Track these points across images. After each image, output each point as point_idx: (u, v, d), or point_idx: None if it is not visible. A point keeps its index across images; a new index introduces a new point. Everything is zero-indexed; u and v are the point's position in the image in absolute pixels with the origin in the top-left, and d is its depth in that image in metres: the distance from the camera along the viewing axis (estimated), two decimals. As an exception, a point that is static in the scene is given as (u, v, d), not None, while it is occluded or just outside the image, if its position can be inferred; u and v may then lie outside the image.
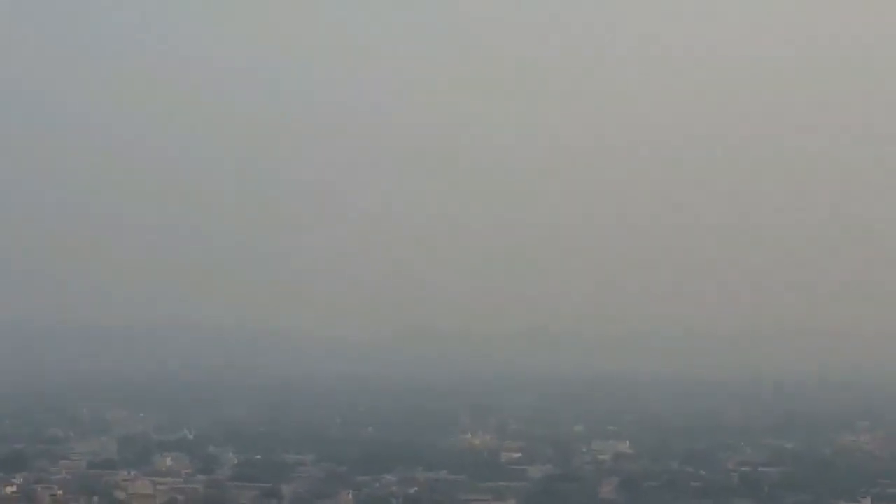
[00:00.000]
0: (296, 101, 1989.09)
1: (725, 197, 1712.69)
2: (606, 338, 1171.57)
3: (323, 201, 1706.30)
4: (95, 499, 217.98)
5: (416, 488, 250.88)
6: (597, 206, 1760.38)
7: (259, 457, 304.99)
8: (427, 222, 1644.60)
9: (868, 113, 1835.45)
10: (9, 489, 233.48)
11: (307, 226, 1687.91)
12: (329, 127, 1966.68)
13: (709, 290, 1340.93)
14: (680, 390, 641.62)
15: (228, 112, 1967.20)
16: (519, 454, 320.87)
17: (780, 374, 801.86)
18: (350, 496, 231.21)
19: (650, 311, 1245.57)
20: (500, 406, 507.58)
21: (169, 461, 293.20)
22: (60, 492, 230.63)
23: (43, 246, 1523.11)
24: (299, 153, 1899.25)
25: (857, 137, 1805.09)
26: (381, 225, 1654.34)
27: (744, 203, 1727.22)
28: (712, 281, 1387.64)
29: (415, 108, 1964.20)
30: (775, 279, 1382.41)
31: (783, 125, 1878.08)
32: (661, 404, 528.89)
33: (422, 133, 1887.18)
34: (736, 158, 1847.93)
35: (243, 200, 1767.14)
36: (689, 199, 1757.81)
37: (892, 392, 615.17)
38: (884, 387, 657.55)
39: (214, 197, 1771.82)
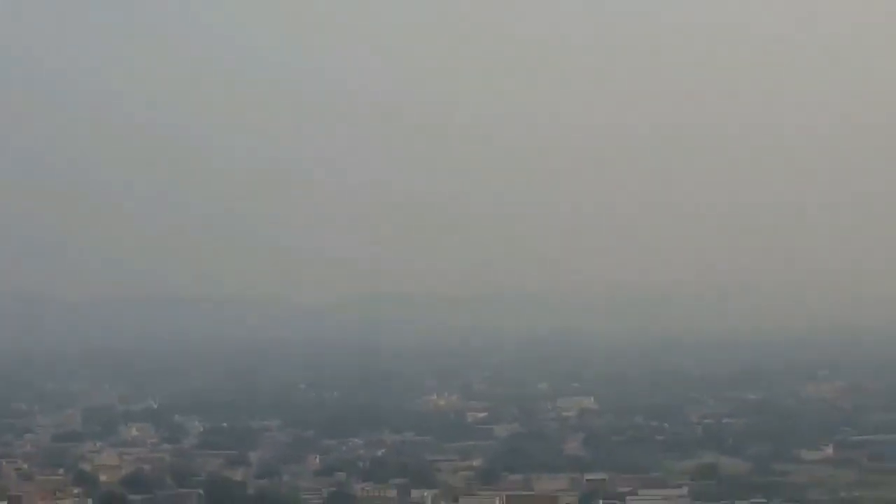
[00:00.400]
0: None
1: (679, 164, 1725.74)
2: (568, 297, 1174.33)
3: (287, 172, 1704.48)
4: (61, 471, 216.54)
5: (382, 450, 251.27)
6: (557, 170, 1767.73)
7: (225, 424, 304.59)
8: (393, 188, 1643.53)
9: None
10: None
11: (271, 194, 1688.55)
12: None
13: (667, 249, 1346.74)
14: (642, 346, 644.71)
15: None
16: (484, 414, 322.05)
17: (740, 328, 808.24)
18: (317, 460, 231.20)
19: (611, 270, 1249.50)
20: (464, 367, 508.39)
21: (134, 431, 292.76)
22: (26, 465, 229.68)
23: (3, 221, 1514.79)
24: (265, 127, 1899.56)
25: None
26: (345, 192, 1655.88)
27: (695, 168, 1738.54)
28: (670, 239, 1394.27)
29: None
30: (733, 237, 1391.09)
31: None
32: (625, 360, 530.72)
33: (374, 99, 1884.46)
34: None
35: (205, 169, 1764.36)
36: (643, 168, 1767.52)
37: (852, 342, 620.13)
38: (843, 337, 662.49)
39: (180, 167, 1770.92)
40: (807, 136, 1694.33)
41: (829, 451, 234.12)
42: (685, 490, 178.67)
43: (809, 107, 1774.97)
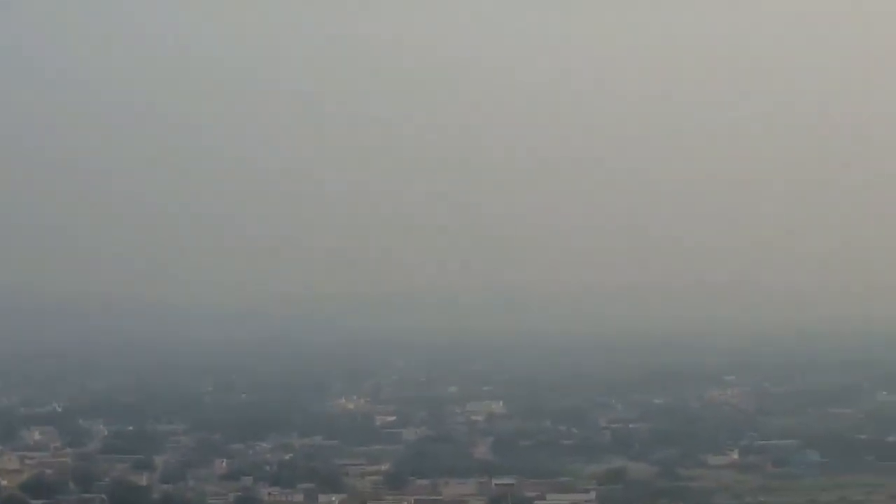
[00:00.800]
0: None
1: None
2: (478, 299, 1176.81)
3: (192, 170, 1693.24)
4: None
5: (290, 454, 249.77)
6: (468, 171, 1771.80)
7: (130, 428, 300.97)
8: (297, 187, 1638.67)
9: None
10: None
11: (180, 192, 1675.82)
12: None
13: (575, 251, 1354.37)
14: (551, 349, 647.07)
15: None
16: (393, 417, 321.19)
17: (648, 331, 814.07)
18: (224, 464, 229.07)
19: (520, 272, 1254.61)
20: (373, 370, 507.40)
21: (37, 435, 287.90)
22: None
23: None
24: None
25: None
26: (253, 189, 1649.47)
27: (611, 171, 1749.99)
28: (579, 241, 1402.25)
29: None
30: (638, 238, 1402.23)
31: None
32: (534, 363, 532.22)
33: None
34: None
35: (111, 169, 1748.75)
36: (548, 170, 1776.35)
37: (758, 346, 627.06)
38: (749, 342, 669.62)
39: (85, 168, 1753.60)
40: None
41: (734, 455, 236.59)
42: (593, 495, 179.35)
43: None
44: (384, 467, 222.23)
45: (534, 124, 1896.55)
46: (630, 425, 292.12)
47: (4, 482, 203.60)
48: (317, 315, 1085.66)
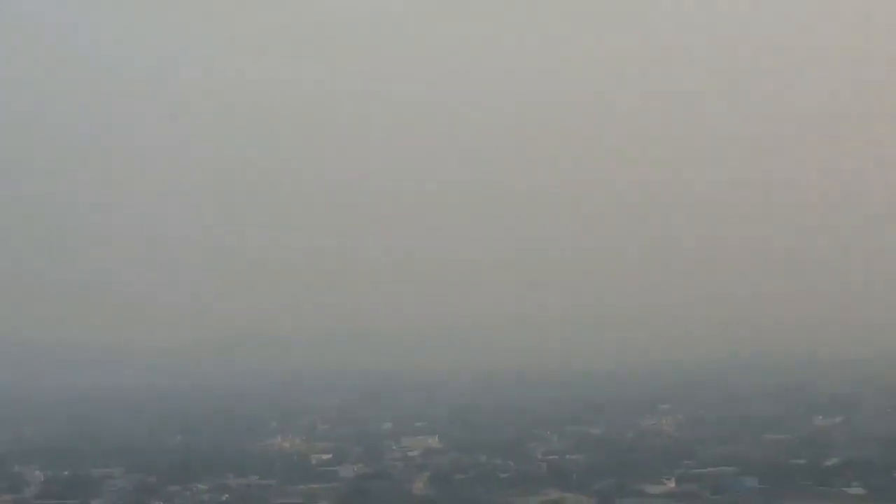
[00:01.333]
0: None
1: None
2: (409, 334, 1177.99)
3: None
4: None
5: (227, 495, 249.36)
6: (394, 205, 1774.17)
7: (66, 473, 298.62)
8: (220, 236, 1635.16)
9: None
10: None
11: (94, 233, 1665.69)
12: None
13: (507, 284, 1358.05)
14: (484, 382, 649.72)
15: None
16: (329, 455, 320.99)
17: (581, 363, 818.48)
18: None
19: (448, 307, 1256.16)
20: (307, 407, 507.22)
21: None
22: None
23: None
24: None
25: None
26: (170, 234, 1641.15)
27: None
28: (505, 275, 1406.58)
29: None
30: (569, 272, 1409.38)
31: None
32: (468, 397, 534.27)
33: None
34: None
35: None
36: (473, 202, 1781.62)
37: (692, 374, 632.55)
38: (684, 370, 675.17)
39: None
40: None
41: (672, 484, 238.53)
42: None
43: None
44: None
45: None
46: (566, 456, 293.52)
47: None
48: (248, 354, 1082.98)
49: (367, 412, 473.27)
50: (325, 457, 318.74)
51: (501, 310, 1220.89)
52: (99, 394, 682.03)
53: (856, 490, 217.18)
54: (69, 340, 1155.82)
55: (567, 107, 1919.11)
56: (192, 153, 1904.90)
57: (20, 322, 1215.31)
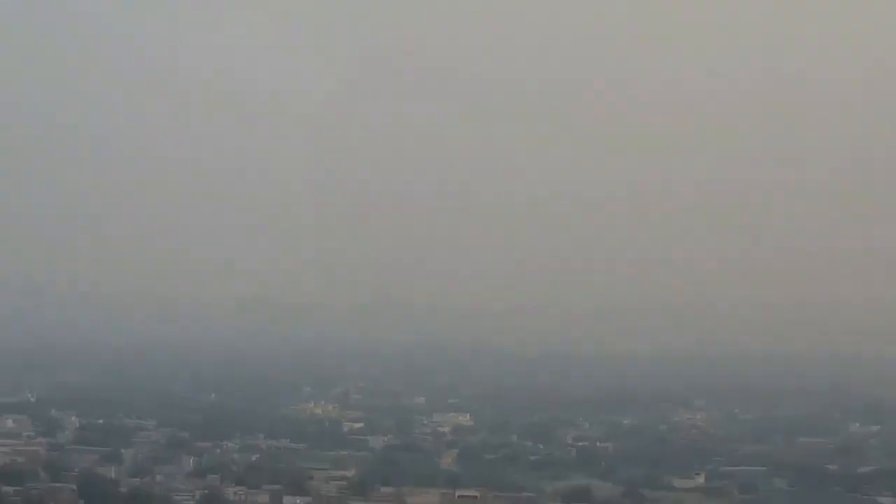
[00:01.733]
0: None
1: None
2: (449, 310, 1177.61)
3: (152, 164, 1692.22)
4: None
5: (257, 455, 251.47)
6: (456, 180, 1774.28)
7: (101, 421, 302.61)
8: (264, 183, 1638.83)
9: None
10: None
11: (150, 186, 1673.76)
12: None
13: (557, 265, 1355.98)
14: (521, 364, 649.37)
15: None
16: (360, 424, 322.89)
17: (619, 351, 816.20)
18: (191, 462, 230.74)
19: (492, 284, 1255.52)
20: (342, 377, 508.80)
21: (10, 423, 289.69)
22: None
23: None
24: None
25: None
26: (217, 189, 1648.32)
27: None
28: (548, 255, 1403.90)
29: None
30: (629, 255, 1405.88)
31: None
32: (502, 377, 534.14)
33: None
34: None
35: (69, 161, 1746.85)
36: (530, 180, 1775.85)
37: (729, 372, 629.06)
38: (722, 367, 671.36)
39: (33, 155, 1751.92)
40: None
41: (701, 479, 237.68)
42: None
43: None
44: (350, 473, 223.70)
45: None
46: (597, 444, 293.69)
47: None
48: (287, 319, 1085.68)
49: (402, 385, 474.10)
50: (356, 425, 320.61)
51: (541, 291, 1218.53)
52: (139, 347, 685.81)
53: (888, 500, 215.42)
54: (114, 290, 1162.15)
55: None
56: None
57: (64, 269, 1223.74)
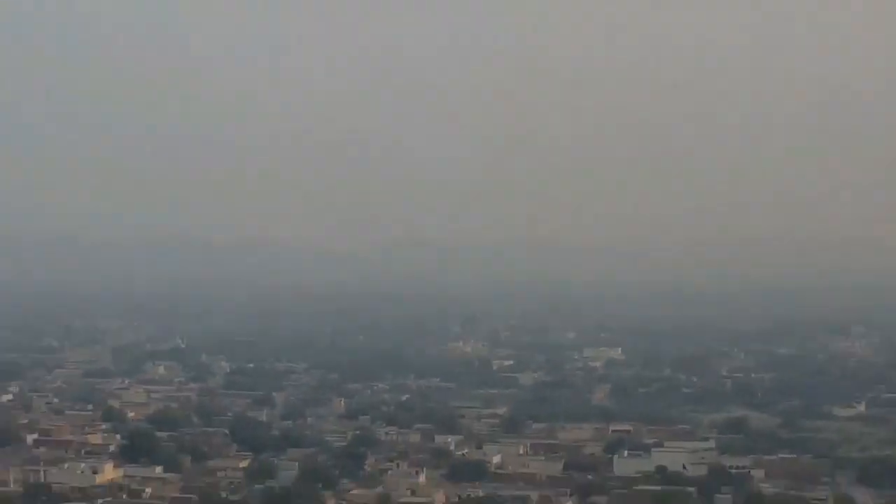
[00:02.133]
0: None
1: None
2: (595, 246, 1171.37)
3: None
4: (90, 407, 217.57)
5: (407, 395, 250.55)
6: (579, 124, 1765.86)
7: (251, 365, 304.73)
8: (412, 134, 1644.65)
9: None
10: (5, 397, 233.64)
11: (300, 136, 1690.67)
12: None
13: (701, 198, 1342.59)
14: (672, 297, 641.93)
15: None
16: (510, 362, 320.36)
17: (772, 280, 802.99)
18: (342, 404, 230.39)
19: (640, 220, 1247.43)
20: (491, 315, 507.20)
21: (162, 369, 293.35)
22: (56, 400, 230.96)
23: (39, 161, 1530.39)
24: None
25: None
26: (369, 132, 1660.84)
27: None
28: (705, 189, 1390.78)
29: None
30: (769, 186, 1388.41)
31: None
32: (653, 312, 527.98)
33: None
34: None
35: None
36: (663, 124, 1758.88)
37: (887, 298, 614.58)
38: (882, 292, 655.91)
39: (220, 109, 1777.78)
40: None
41: (861, 408, 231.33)
42: (712, 443, 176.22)
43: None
44: (501, 411, 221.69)
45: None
46: (752, 375, 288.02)
47: (132, 414, 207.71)
48: (435, 260, 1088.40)
49: (551, 321, 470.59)
50: (506, 363, 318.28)
51: (691, 225, 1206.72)
52: (286, 292, 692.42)
53: None
54: (264, 239, 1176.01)
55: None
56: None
57: (218, 222, 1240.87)
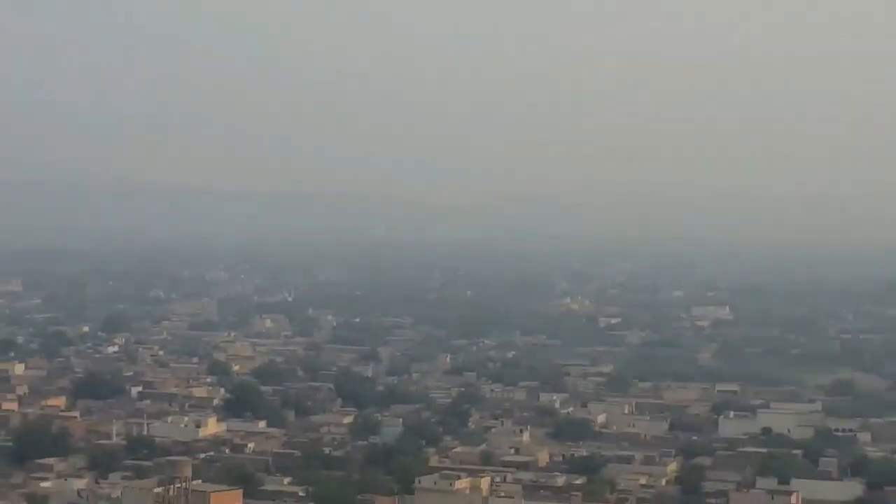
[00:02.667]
0: None
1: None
2: (705, 205, 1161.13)
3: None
4: (195, 360, 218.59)
5: (513, 352, 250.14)
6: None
7: (357, 320, 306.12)
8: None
9: None
10: (111, 349, 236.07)
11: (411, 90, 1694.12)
12: None
13: (805, 158, 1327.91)
14: (782, 258, 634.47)
15: None
16: (617, 320, 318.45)
17: (883, 240, 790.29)
18: (447, 360, 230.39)
19: (748, 179, 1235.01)
20: (598, 273, 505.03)
21: (268, 323, 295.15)
22: (161, 352, 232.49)
23: (137, 106, 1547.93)
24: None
25: None
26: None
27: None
28: (806, 148, 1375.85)
29: None
30: (868, 145, 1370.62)
31: None
32: (761, 271, 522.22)
33: None
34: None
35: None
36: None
37: None
38: None
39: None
40: None
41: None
42: (819, 405, 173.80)
43: None
44: (606, 369, 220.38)
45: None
46: (861, 336, 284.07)
47: (237, 367, 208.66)
48: (543, 217, 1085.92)
49: (659, 280, 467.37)
50: (613, 321, 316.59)
51: (799, 184, 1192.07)
52: (395, 247, 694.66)
53: None
54: (372, 194, 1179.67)
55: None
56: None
57: (320, 176, 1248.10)
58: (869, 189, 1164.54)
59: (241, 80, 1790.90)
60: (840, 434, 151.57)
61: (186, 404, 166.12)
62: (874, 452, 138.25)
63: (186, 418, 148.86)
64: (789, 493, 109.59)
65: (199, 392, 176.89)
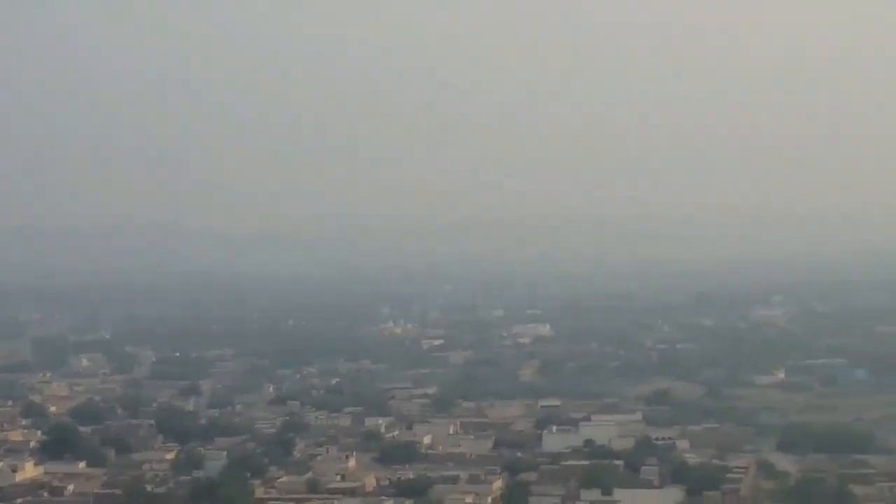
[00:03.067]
0: None
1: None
2: (525, 225, 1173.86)
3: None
4: (10, 402, 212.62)
5: (337, 379, 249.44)
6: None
7: (177, 354, 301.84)
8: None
9: None
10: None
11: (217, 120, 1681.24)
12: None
13: (626, 179, 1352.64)
14: (597, 273, 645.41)
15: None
16: (440, 341, 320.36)
17: (694, 253, 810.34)
18: (271, 389, 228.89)
19: (566, 199, 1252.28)
20: (420, 295, 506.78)
21: (85, 362, 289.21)
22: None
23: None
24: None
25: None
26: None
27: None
28: (629, 169, 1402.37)
29: None
30: (678, 165, 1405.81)
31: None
32: (580, 288, 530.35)
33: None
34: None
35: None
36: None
37: (805, 267, 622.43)
38: (796, 263, 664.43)
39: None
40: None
41: (781, 375, 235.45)
42: (639, 415, 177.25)
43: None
44: (431, 390, 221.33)
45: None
46: (677, 346, 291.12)
47: (54, 408, 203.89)
48: (362, 242, 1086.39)
49: (479, 300, 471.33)
50: (436, 342, 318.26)
51: (618, 203, 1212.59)
52: (212, 279, 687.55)
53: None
54: (182, 226, 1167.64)
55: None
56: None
57: (129, 208, 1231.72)
58: (681, 205, 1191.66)
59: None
60: (659, 442, 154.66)
61: (2, 449, 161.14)
62: (692, 459, 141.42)
63: (1, 463, 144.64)
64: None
65: (15, 436, 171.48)
